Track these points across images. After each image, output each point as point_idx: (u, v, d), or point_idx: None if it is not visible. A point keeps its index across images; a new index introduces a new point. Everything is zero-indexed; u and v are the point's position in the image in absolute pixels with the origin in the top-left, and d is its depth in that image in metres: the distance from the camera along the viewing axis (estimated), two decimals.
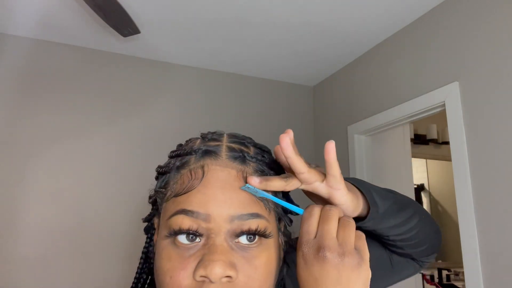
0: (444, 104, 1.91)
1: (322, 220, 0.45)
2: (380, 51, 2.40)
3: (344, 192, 0.47)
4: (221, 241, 0.43)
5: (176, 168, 0.48)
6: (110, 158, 2.37)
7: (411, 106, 2.10)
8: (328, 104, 2.89)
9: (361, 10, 2.05)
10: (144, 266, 0.55)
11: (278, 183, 0.45)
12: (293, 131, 0.47)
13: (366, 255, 0.45)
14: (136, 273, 0.55)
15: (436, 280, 3.35)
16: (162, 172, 0.51)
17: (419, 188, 3.69)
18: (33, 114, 2.25)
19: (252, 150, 0.50)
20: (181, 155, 0.49)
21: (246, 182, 0.46)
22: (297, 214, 0.50)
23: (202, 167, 0.46)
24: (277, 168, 0.51)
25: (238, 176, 0.46)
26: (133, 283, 0.54)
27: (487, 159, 1.68)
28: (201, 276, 0.41)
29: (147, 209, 0.57)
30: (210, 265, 0.40)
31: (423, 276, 3.05)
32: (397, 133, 2.74)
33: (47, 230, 2.15)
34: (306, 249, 0.44)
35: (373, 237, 0.58)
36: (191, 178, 0.46)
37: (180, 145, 0.54)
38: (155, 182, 0.53)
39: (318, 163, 0.50)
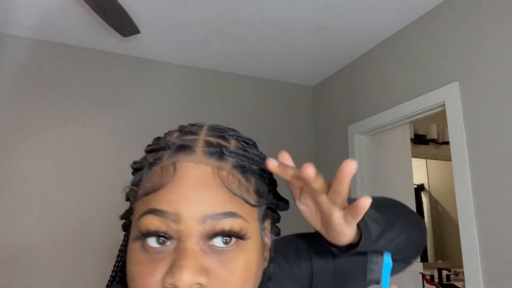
0: (444, 104, 1.91)
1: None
2: (380, 51, 2.40)
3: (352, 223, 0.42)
4: (193, 244, 0.40)
5: (149, 164, 0.45)
6: (110, 157, 2.37)
7: (411, 106, 2.10)
8: (328, 104, 2.89)
9: (361, 10, 2.05)
10: (120, 265, 0.51)
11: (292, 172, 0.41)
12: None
13: None
14: (112, 271, 0.51)
15: (436, 280, 3.35)
16: (136, 168, 0.48)
17: (419, 188, 3.69)
18: (33, 114, 2.25)
19: (232, 144, 0.46)
20: (155, 150, 0.46)
21: (221, 180, 0.42)
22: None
23: (174, 163, 0.43)
24: (260, 161, 0.47)
25: (213, 173, 0.42)
26: (109, 281, 0.51)
27: (487, 159, 1.68)
28: (170, 284, 0.38)
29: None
30: (178, 272, 0.37)
31: (423, 276, 3.04)
32: (397, 133, 2.74)
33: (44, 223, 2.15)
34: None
35: None
36: (162, 175, 0.43)
37: (158, 138, 0.49)
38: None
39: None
